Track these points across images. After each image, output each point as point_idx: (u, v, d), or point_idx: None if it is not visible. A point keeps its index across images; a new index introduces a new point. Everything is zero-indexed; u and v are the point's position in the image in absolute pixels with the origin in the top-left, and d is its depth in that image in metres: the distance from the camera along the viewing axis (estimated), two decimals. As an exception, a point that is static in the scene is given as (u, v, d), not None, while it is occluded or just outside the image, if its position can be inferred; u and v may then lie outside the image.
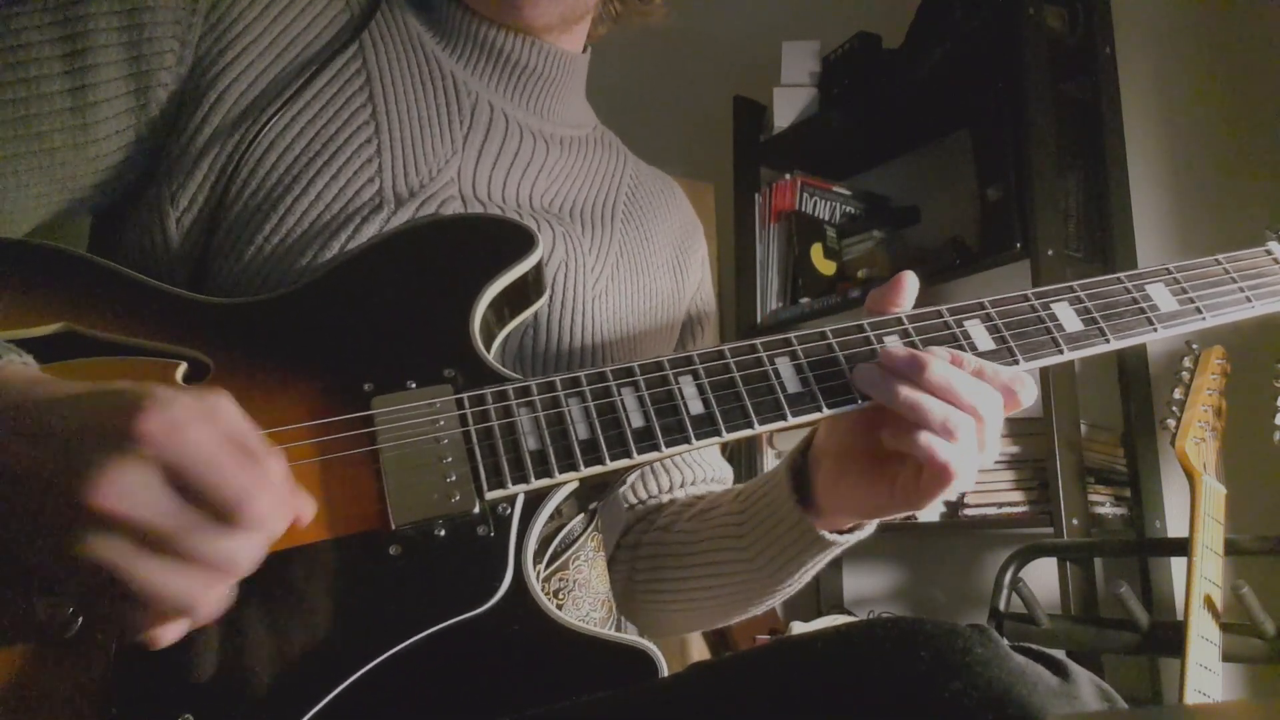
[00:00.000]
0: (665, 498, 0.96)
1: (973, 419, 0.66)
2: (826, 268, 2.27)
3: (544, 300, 0.78)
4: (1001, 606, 1.63)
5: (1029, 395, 0.68)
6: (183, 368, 0.63)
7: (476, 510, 0.61)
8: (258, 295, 0.71)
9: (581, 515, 0.75)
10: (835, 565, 2.32)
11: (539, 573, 0.70)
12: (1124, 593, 1.45)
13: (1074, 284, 0.75)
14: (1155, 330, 0.73)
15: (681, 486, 0.96)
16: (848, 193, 2.38)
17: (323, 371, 0.65)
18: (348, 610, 0.58)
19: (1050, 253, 1.73)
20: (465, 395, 0.65)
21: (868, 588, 2.31)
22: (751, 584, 0.85)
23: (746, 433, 0.66)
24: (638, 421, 0.65)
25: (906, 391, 0.65)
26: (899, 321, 0.72)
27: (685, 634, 0.97)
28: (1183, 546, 1.40)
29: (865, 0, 2.37)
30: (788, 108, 2.31)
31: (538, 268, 0.74)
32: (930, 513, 1.88)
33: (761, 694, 0.50)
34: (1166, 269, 0.77)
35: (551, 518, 0.65)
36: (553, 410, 0.65)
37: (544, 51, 0.87)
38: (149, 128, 0.74)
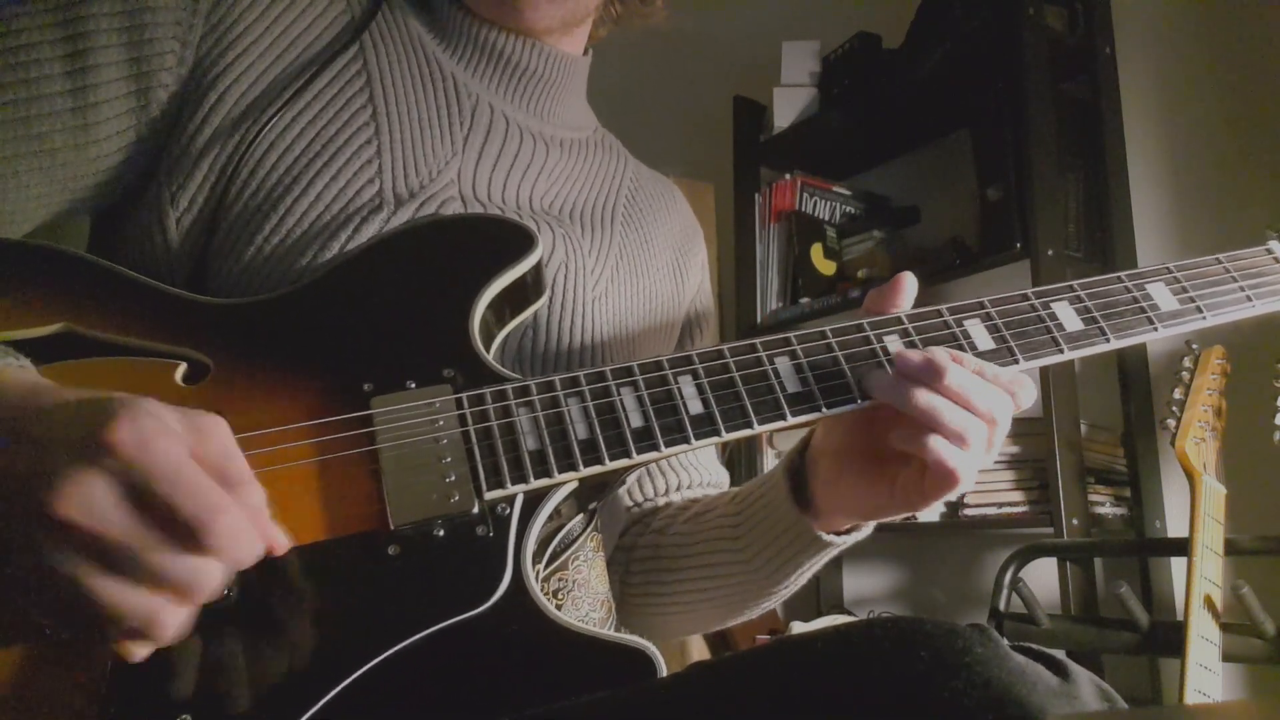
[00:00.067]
0: (661, 500, 0.96)
1: (985, 424, 0.66)
2: (826, 268, 2.27)
3: (543, 301, 0.78)
4: (1001, 606, 1.63)
5: (1028, 397, 0.68)
6: (182, 368, 0.63)
7: (475, 510, 0.61)
8: (257, 295, 0.71)
9: (581, 515, 0.75)
10: (835, 565, 2.32)
11: (538, 573, 0.70)
12: (1124, 593, 1.45)
13: (1074, 283, 0.75)
14: (1156, 330, 0.73)
15: (678, 490, 0.96)
16: (848, 193, 2.38)
17: (322, 371, 0.65)
18: (346, 610, 0.58)
19: (1050, 253, 1.73)
20: (464, 395, 0.65)
21: (868, 588, 2.31)
22: (747, 586, 0.85)
23: (746, 433, 0.66)
24: (637, 421, 0.65)
25: (922, 395, 0.65)
26: (899, 321, 0.71)
27: (679, 639, 0.97)
28: (1183, 546, 1.40)
29: (865, 0, 2.37)
30: (788, 108, 2.31)
31: (537, 268, 0.74)
32: (930, 513, 1.88)
33: (761, 694, 0.50)
34: (1167, 268, 0.77)
35: (551, 518, 0.65)
36: (552, 410, 0.65)
37: (544, 54, 0.87)
38: (149, 128, 0.74)
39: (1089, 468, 1.72)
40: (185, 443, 0.47)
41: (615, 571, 0.93)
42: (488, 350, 0.70)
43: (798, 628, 1.88)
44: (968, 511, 1.83)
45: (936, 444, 0.65)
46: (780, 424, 0.66)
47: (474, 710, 0.57)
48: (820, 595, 2.29)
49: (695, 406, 0.66)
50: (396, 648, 0.57)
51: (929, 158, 2.30)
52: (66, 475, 0.45)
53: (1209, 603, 1.33)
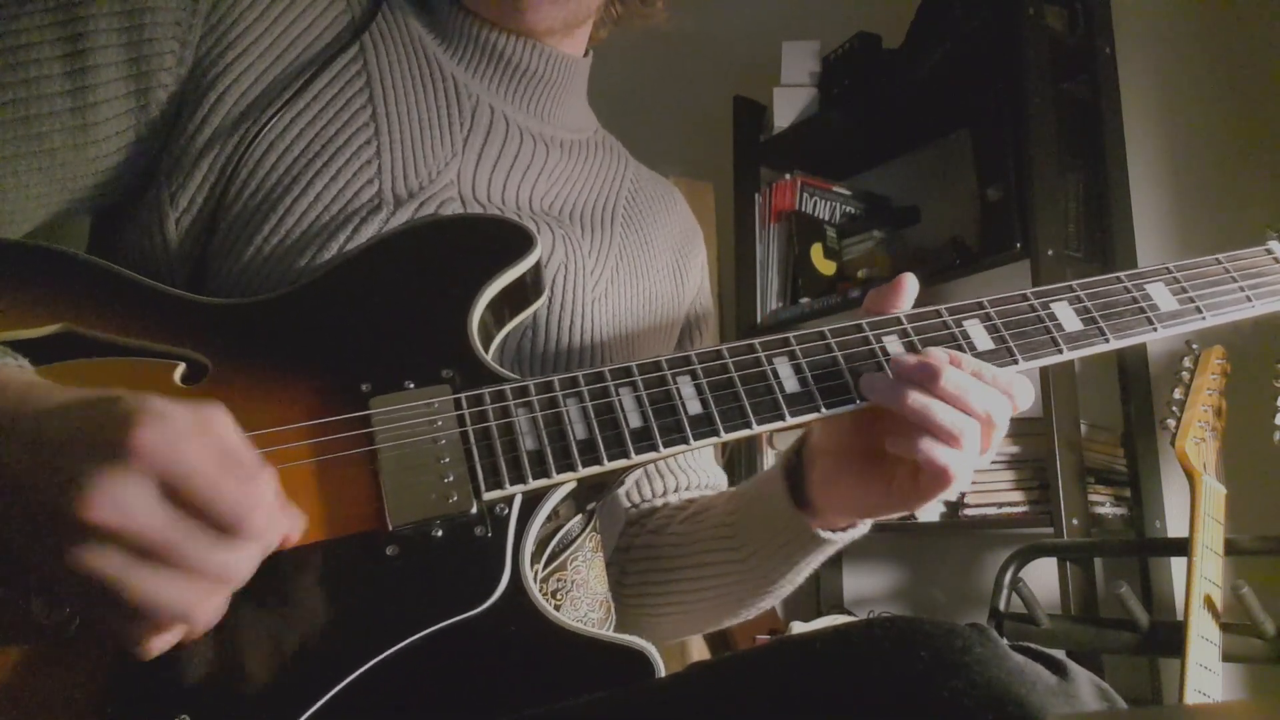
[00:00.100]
0: (659, 502, 0.96)
1: (979, 424, 0.66)
2: (826, 268, 2.27)
3: (543, 301, 0.78)
4: (1001, 606, 1.63)
5: (1026, 398, 0.68)
6: (181, 368, 0.63)
7: (474, 511, 0.61)
8: (256, 295, 0.71)
9: (580, 516, 0.75)
10: (835, 565, 2.32)
11: (537, 573, 0.70)
12: (1124, 593, 1.45)
13: (1073, 283, 0.74)
14: (1155, 330, 0.73)
15: (675, 491, 0.96)
16: (848, 193, 2.38)
17: (321, 372, 0.65)
18: (345, 611, 0.58)
19: (1050, 253, 1.72)
20: (463, 395, 0.65)
21: (868, 588, 2.31)
22: (744, 584, 0.85)
23: (745, 433, 0.66)
24: (635, 422, 0.65)
25: (917, 397, 0.65)
26: (898, 321, 0.71)
27: (673, 640, 0.96)
28: (1183, 546, 1.40)
29: (865, 0, 2.37)
30: (788, 108, 2.31)
31: (536, 268, 0.74)
32: (930, 513, 1.88)
33: (761, 694, 0.50)
34: (1166, 268, 0.77)
35: (549, 518, 0.65)
36: (550, 411, 0.65)
37: (545, 55, 0.87)
38: (149, 128, 0.74)
39: (1089, 468, 1.72)
40: (207, 440, 0.49)
41: (611, 573, 0.93)
42: (487, 351, 0.70)
43: (798, 628, 1.88)
44: (968, 511, 1.83)
45: (929, 445, 0.65)
46: (779, 424, 0.66)
47: (472, 711, 0.57)
48: (820, 595, 2.29)
49: (694, 407, 0.66)
50: (395, 648, 0.57)
51: (929, 158, 2.29)
52: (97, 480, 0.46)
53: (1209, 603, 1.33)
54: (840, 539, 0.80)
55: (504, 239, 0.74)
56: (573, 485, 0.64)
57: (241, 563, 0.49)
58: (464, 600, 0.59)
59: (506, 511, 0.62)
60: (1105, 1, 1.93)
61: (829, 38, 2.28)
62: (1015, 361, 0.70)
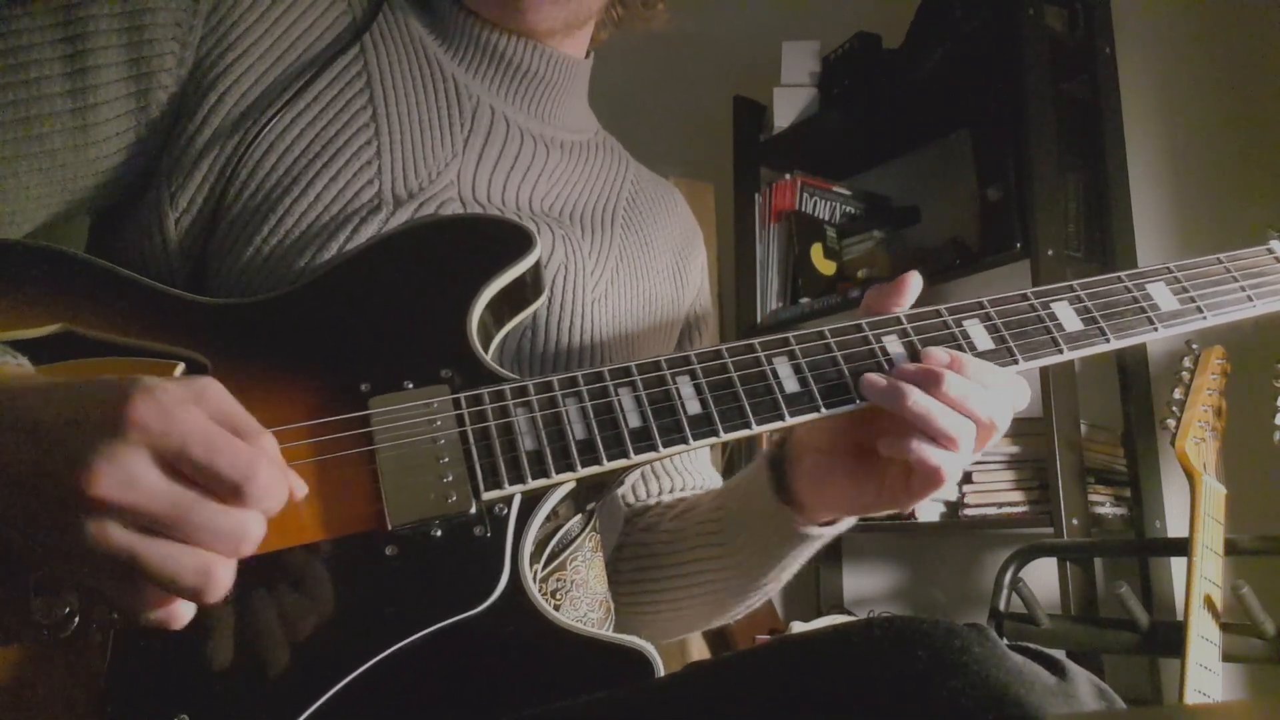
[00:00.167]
0: (652, 501, 0.96)
1: (976, 427, 0.66)
2: (826, 268, 2.27)
3: (542, 301, 0.78)
4: (1001, 606, 1.62)
5: (1023, 399, 0.68)
6: (180, 368, 0.63)
7: (473, 511, 0.61)
8: (256, 295, 0.71)
9: (579, 516, 0.75)
10: (835, 565, 2.32)
11: (536, 573, 0.70)
12: (1124, 593, 1.45)
13: (1074, 283, 0.74)
14: (1156, 330, 0.73)
15: (670, 492, 0.96)
16: (848, 193, 2.38)
17: (320, 371, 0.65)
18: (344, 610, 0.58)
19: (1050, 253, 1.72)
20: (462, 395, 0.65)
21: (868, 588, 2.31)
22: (732, 581, 0.85)
23: (744, 433, 0.66)
24: (635, 422, 0.65)
25: (917, 399, 0.65)
26: (898, 321, 0.71)
27: (670, 639, 0.96)
28: (1183, 546, 1.40)
29: (865, 0, 2.37)
30: (788, 108, 2.31)
31: (536, 268, 0.74)
32: (930, 513, 1.88)
33: (760, 693, 0.50)
34: (1167, 268, 0.76)
35: (549, 518, 0.65)
36: (550, 411, 0.65)
37: (546, 56, 0.87)
38: (149, 129, 0.74)
39: (1089, 468, 1.72)
40: (201, 407, 0.49)
41: (606, 572, 0.93)
42: (486, 351, 0.70)
43: (798, 628, 1.88)
44: (968, 511, 1.83)
45: (924, 447, 0.66)
46: (778, 424, 0.66)
47: (472, 710, 0.57)
48: (820, 595, 2.28)
49: (693, 407, 0.66)
50: (394, 648, 0.57)
51: (929, 158, 2.29)
52: (97, 455, 0.47)
53: (1209, 603, 1.33)
54: (824, 534, 0.80)
55: (504, 239, 0.74)
56: (572, 485, 0.64)
57: (249, 525, 0.49)
58: (463, 600, 0.59)
59: (505, 511, 0.62)
60: (1105, 1, 1.93)
61: (829, 38, 2.28)
62: (1015, 361, 0.70)
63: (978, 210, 1.91)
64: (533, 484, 0.62)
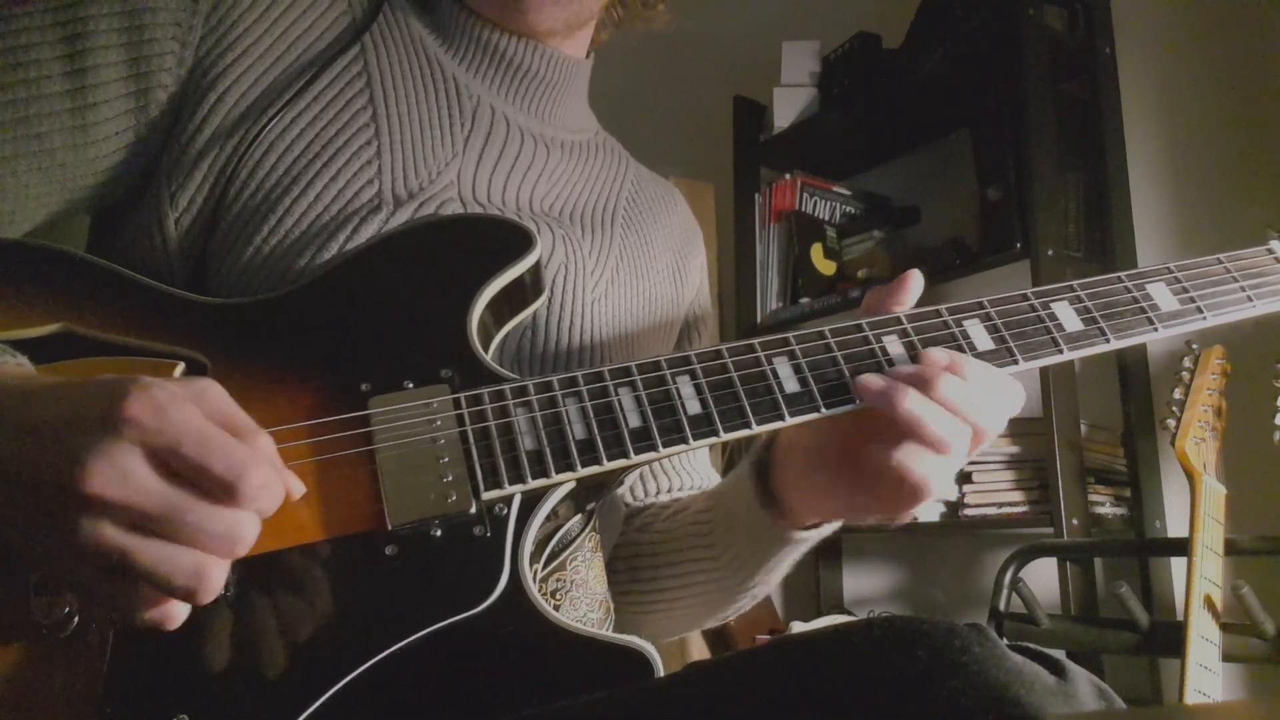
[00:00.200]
0: (650, 501, 0.96)
1: (969, 432, 0.65)
2: (826, 268, 2.27)
3: (542, 301, 0.78)
4: (1001, 606, 1.62)
5: (1019, 401, 0.67)
6: (180, 367, 0.63)
7: (473, 511, 0.61)
8: (256, 295, 0.71)
9: (579, 516, 0.75)
10: (835, 565, 2.32)
11: (536, 573, 0.70)
12: (1124, 593, 1.45)
13: (1074, 283, 0.74)
14: (1156, 330, 0.73)
15: (669, 492, 0.96)
16: (848, 193, 2.38)
17: (320, 371, 0.65)
18: (344, 610, 0.58)
19: (1050, 253, 1.72)
20: (462, 395, 0.65)
21: (868, 588, 2.31)
22: (722, 584, 0.85)
23: (744, 433, 0.66)
24: (635, 422, 0.65)
25: (912, 401, 0.64)
26: (898, 321, 0.71)
27: (665, 638, 0.96)
28: (1183, 546, 1.40)
29: (865, 0, 2.37)
30: (788, 108, 2.31)
31: (535, 268, 0.74)
32: (930, 513, 1.88)
33: (760, 694, 0.50)
34: (1167, 268, 0.76)
35: (548, 518, 0.65)
36: (550, 410, 0.64)
37: (547, 56, 0.87)
38: (149, 129, 0.74)
39: (1089, 468, 1.72)
40: (196, 406, 0.49)
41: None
42: (486, 350, 0.70)
43: (798, 628, 1.88)
44: (968, 511, 1.83)
45: (912, 454, 0.64)
46: (779, 424, 0.66)
47: (471, 710, 0.57)
48: (820, 595, 2.28)
49: (693, 407, 0.66)
50: (394, 648, 0.57)
51: (929, 158, 2.29)
52: (93, 453, 0.47)
53: (1209, 603, 1.33)
54: (809, 538, 0.79)
55: (504, 239, 0.74)
56: (572, 485, 0.64)
57: (243, 526, 0.49)
58: (463, 600, 0.59)
59: (505, 511, 0.62)
60: (1105, 2, 1.93)
61: (829, 38, 2.28)
62: (1015, 362, 0.70)
63: (978, 210, 1.91)
64: (533, 484, 0.62)
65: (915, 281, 0.72)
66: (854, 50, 2.18)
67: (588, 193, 0.92)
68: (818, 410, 0.67)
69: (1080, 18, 1.91)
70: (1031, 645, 0.52)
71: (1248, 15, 1.78)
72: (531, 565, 0.63)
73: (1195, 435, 1.43)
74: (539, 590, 0.63)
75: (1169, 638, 1.40)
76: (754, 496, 0.78)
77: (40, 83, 0.69)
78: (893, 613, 2.06)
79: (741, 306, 2.37)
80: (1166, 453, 1.74)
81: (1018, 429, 1.82)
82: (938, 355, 0.67)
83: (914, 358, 0.69)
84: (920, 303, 0.73)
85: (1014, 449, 1.81)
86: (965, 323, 0.71)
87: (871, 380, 0.66)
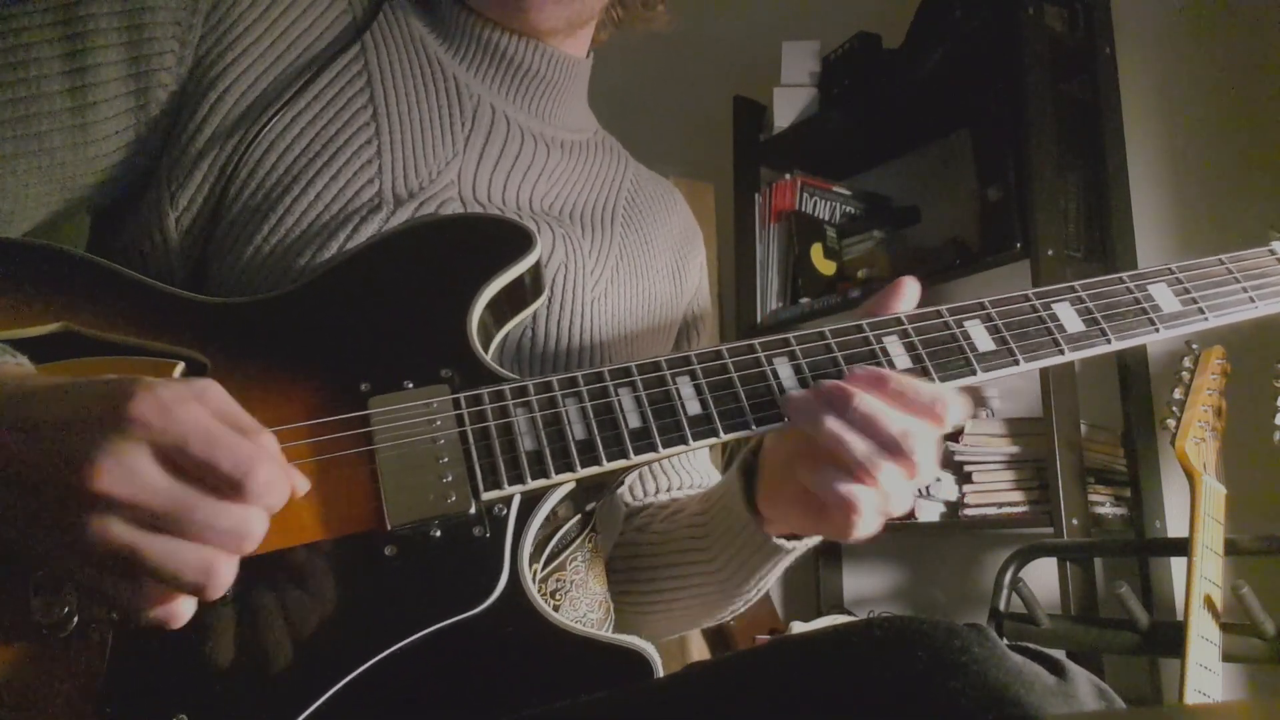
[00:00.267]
0: (650, 500, 0.95)
1: (888, 454, 0.61)
2: (826, 268, 2.27)
3: (542, 301, 0.78)
4: (1001, 606, 1.63)
5: (956, 414, 0.63)
6: (180, 367, 0.63)
7: (472, 511, 0.61)
8: (256, 295, 0.71)
9: (579, 516, 0.75)
10: (835, 565, 2.32)
11: (535, 573, 0.70)
12: (1124, 593, 1.45)
13: (1075, 284, 0.74)
14: (1157, 330, 0.73)
15: (669, 491, 0.96)
16: (848, 193, 2.38)
17: (320, 371, 0.65)
18: (343, 611, 0.58)
19: (1050, 253, 1.72)
20: (462, 395, 0.65)
21: (868, 588, 2.31)
22: (717, 587, 0.84)
23: (744, 433, 0.66)
24: (635, 422, 0.65)
25: (831, 422, 0.61)
26: (898, 322, 0.71)
27: (663, 637, 0.96)
28: (1183, 546, 1.40)
29: (865, 0, 2.37)
30: (788, 108, 2.31)
31: (536, 268, 0.74)
32: (930, 513, 1.88)
33: (759, 694, 0.50)
34: (1169, 269, 0.76)
35: (548, 519, 0.64)
36: (549, 411, 0.64)
37: (547, 55, 0.87)
38: (149, 128, 0.74)
39: (1089, 468, 1.72)
40: (201, 405, 0.50)
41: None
42: (486, 350, 0.70)
43: (798, 628, 1.88)
44: (968, 511, 1.83)
45: (831, 477, 0.62)
46: (779, 425, 0.66)
47: (471, 711, 0.57)
48: (820, 595, 2.28)
49: (693, 407, 0.65)
50: (393, 648, 0.57)
51: (929, 158, 2.29)
52: (101, 451, 0.47)
53: (1209, 603, 1.33)
54: (794, 549, 0.78)
55: (504, 238, 0.74)
56: (571, 486, 0.64)
57: (251, 522, 0.50)
58: (462, 600, 0.59)
59: (505, 512, 0.62)
60: (1105, 2, 1.93)
61: (829, 38, 2.28)
62: (1016, 362, 0.70)
63: (978, 210, 1.91)
64: (532, 484, 0.62)
65: (910, 289, 0.71)
66: (854, 50, 2.19)
67: (588, 192, 0.92)
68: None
69: (1080, 18, 1.91)
70: (1031, 645, 0.52)
71: (1247, 15, 1.78)
72: (531, 565, 0.63)
73: (1195, 435, 1.43)
74: (538, 590, 0.62)
75: (1169, 638, 1.40)
76: (741, 503, 0.77)
77: (40, 82, 0.69)
78: (893, 613, 2.06)
79: (741, 306, 2.37)
80: (1166, 453, 1.74)
81: (1018, 429, 1.82)
82: (859, 371, 0.65)
83: (918, 361, 0.68)
84: (920, 303, 0.73)
85: (1014, 449, 1.81)
86: (966, 323, 0.71)
87: (799, 398, 0.64)
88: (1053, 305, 0.73)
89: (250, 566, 0.52)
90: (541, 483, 0.62)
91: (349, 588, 0.58)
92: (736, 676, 0.52)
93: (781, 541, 0.77)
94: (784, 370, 0.67)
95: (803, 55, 2.32)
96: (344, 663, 0.56)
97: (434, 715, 0.58)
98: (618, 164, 0.98)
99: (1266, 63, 1.74)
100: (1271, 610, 1.35)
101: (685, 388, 0.66)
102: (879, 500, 0.62)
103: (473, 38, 0.85)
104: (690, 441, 0.64)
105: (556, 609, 0.72)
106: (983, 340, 0.70)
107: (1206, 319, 0.74)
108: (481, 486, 0.61)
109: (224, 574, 0.49)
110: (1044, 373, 1.66)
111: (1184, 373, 1.49)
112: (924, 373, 0.68)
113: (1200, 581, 1.33)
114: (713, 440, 0.65)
